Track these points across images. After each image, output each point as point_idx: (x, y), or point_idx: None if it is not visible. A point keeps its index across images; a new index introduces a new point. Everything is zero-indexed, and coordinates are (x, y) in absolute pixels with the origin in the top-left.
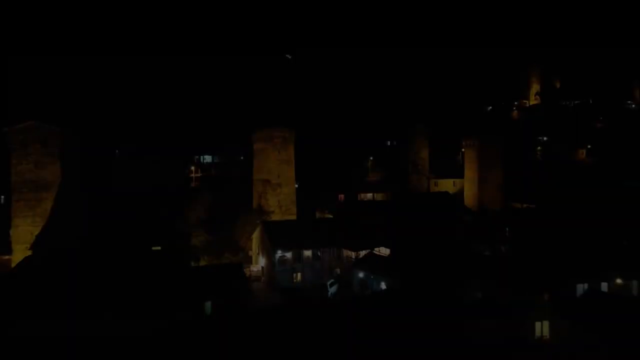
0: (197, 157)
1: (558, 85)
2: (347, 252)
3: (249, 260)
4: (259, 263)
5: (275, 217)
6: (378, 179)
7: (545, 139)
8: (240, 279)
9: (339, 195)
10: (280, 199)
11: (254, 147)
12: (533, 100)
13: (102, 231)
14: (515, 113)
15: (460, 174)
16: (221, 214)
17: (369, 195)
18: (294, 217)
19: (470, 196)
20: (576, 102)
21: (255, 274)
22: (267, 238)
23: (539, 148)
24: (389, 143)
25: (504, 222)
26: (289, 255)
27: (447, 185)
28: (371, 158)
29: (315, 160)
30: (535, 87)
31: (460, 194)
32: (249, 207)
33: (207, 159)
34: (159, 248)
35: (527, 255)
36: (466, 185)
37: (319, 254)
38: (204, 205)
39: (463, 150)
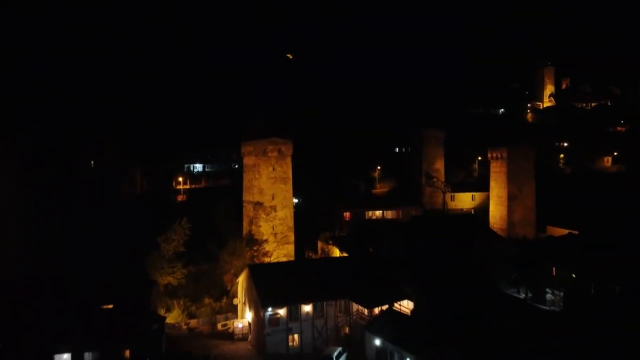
0: (187, 165)
1: (572, 86)
2: (358, 306)
3: (235, 309)
4: (246, 317)
5: (269, 247)
6: (386, 192)
7: (565, 144)
8: None
9: (344, 213)
10: (275, 225)
11: (243, 162)
12: (547, 102)
13: (35, 284)
14: (529, 116)
15: (478, 187)
16: (205, 240)
17: (378, 213)
18: (291, 246)
19: (497, 217)
20: (593, 104)
21: (241, 332)
22: (254, 289)
23: (561, 156)
24: (397, 149)
25: (546, 256)
26: (282, 311)
27: (465, 199)
28: (379, 167)
29: (316, 170)
30: (549, 88)
31: (480, 209)
32: (240, 232)
33: (198, 167)
34: (111, 306)
35: (598, 315)
36: (492, 205)
37: (322, 307)
38: (183, 234)
39: (480, 158)
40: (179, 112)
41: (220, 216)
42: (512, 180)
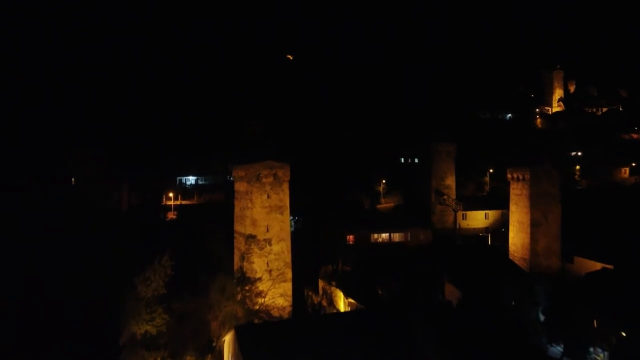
0: (179, 178)
1: (578, 89)
2: None
3: None
4: None
5: (264, 286)
6: (392, 207)
7: (579, 154)
8: None
9: (348, 236)
10: (269, 261)
11: (234, 187)
12: (556, 107)
13: None
14: (539, 121)
15: (491, 203)
16: (194, 269)
17: (384, 236)
18: (288, 284)
19: (518, 245)
20: (604, 108)
21: None
22: (241, 359)
23: (577, 167)
24: (402, 160)
25: (583, 302)
26: None
27: (478, 217)
28: (383, 181)
29: (316, 183)
30: (558, 93)
31: (494, 229)
32: (232, 260)
33: (191, 179)
34: None
35: None
36: (512, 231)
37: None
38: (164, 275)
39: (492, 171)
40: (171, 118)
41: (210, 241)
42: (536, 204)
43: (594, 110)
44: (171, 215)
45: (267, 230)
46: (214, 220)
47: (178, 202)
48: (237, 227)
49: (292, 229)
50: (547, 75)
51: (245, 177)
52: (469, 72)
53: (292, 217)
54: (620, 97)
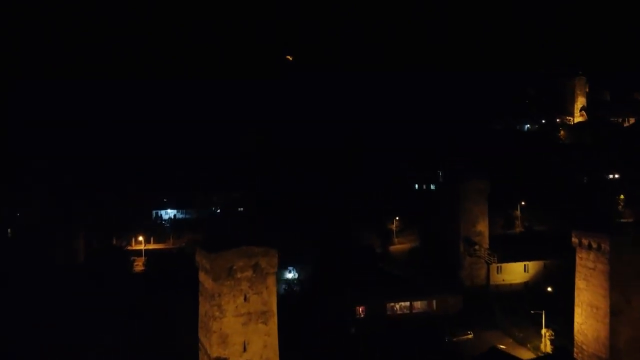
0: (154, 211)
1: (592, 95)
2: None
3: None
4: None
5: None
6: (408, 250)
7: (617, 176)
8: None
9: (358, 308)
10: None
11: (199, 277)
12: (578, 117)
13: None
14: (562, 133)
15: (530, 252)
16: None
17: (403, 303)
18: None
19: (589, 336)
20: (631, 119)
21: None
22: None
23: (621, 196)
24: (416, 186)
25: None
26: None
27: (516, 270)
28: (397, 218)
29: (314, 226)
30: (580, 101)
31: (534, 284)
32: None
33: (169, 213)
34: None
35: None
36: (580, 316)
37: None
38: None
39: (523, 203)
40: (147, 137)
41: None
42: (617, 284)
43: (619, 120)
44: (139, 264)
45: (244, 350)
46: (188, 269)
47: (149, 247)
48: (202, 336)
49: (284, 288)
50: (568, 82)
51: (210, 271)
52: (474, 77)
53: (287, 269)
54: (635, 100)
